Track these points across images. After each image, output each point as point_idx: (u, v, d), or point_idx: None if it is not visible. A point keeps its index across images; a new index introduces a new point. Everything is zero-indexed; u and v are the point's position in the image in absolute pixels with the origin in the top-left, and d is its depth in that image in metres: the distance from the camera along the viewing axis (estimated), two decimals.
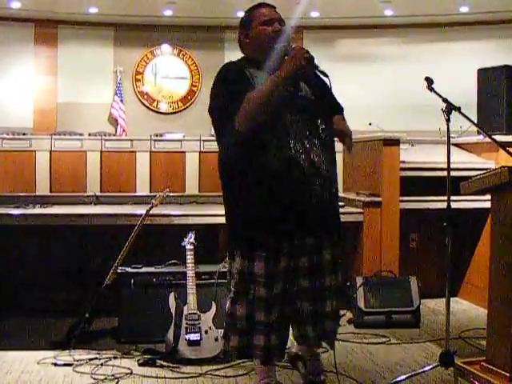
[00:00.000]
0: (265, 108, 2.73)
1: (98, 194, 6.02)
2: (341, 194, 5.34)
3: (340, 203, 4.92)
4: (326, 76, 2.86)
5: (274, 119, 2.77)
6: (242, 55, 3.06)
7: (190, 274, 3.71)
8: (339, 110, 3.11)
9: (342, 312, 4.46)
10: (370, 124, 8.21)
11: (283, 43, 2.88)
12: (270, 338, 2.85)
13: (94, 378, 3.28)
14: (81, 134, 10.22)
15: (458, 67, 10.85)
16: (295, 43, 2.88)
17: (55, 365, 3.49)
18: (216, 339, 3.57)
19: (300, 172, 2.77)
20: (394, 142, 4.73)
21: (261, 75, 2.84)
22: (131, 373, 3.37)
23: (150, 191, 8.71)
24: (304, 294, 2.92)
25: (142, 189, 8.93)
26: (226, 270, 3.27)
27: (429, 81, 3.20)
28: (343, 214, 4.69)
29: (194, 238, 3.86)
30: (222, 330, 3.03)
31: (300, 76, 2.83)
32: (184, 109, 12.45)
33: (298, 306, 2.94)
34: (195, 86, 12.48)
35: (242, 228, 2.88)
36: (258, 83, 2.80)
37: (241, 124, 2.73)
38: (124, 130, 11.87)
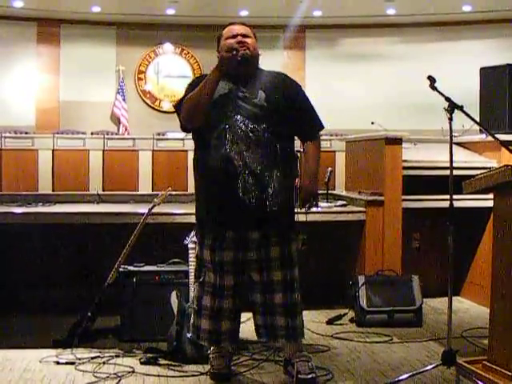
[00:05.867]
0: (197, 102, 3.05)
1: (101, 192, 6.02)
2: (343, 192, 5.35)
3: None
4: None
5: (215, 122, 3.07)
6: None
7: (192, 272, 3.70)
8: (313, 132, 3.29)
9: (344, 311, 4.47)
10: (373, 123, 8.19)
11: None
12: (216, 324, 3.17)
13: (96, 377, 3.28)
14: (83, 133, 10.23)
15: (461, 66, 10.82)
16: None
17: (57, 363, 3.50)
18: None
19: (233, 169, 3.03)
20: (396, 141, 4.73)
21: (221, 83, 3.11)
22: (133, 371, 3.37)
23: (153, 190, 8.73)
24: (254, 286, 3.17)
25: (145, 187, 8.95)
26: None
27: (431, 80, 3.18)
28: (345, 212, 4.74)
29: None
30: None
31: (224, 71, 3.05)
32: None
33: (249, 297, 3.22)
34: None
35: (196, 218, 3.30)
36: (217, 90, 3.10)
37: (183, 119, 3.13)
38: (126, 129, 11.86)
